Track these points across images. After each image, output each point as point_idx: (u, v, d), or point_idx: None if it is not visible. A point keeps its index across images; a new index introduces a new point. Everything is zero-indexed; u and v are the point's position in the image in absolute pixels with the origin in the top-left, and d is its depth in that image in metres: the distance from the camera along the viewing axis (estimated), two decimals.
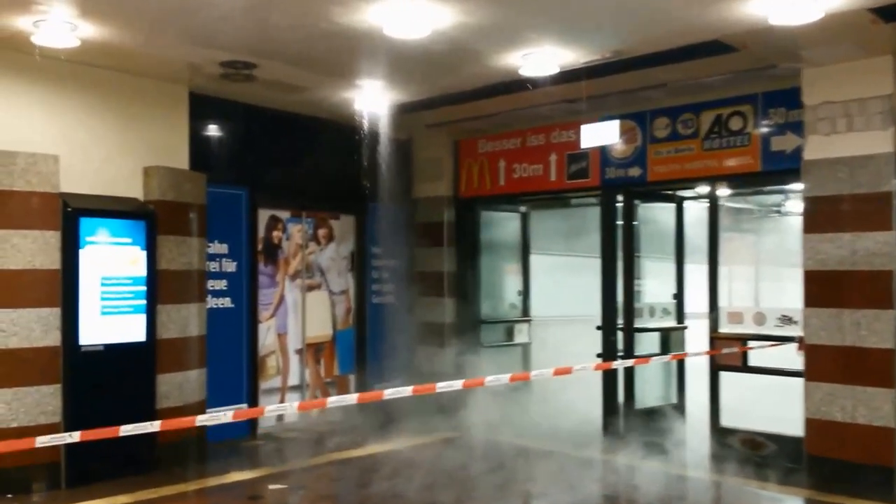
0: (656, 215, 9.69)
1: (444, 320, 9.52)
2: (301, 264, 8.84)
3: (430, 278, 9.62)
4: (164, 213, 7.04)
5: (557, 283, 10.99)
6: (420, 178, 9.83)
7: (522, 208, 10.25)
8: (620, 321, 8.29)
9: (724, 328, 7.59)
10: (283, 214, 8.71)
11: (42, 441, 3.81)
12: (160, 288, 6.89)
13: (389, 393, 4.69)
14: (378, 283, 9.54)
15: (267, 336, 8.43)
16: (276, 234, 8.62)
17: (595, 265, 11.56)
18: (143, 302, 6.71)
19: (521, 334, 10.10)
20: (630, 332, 8.23)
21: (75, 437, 3.93)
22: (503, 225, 10.26)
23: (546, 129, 8.76)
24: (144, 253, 6.75)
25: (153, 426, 4.12)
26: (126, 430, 4.01)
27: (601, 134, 6.52)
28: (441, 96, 7.93)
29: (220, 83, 7.30)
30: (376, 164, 9.02)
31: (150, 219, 6.88)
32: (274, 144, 8.51)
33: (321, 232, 9.09)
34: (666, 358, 7.22)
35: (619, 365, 7.35)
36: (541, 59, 6.36)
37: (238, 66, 6.74)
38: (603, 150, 8.26)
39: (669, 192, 8.69)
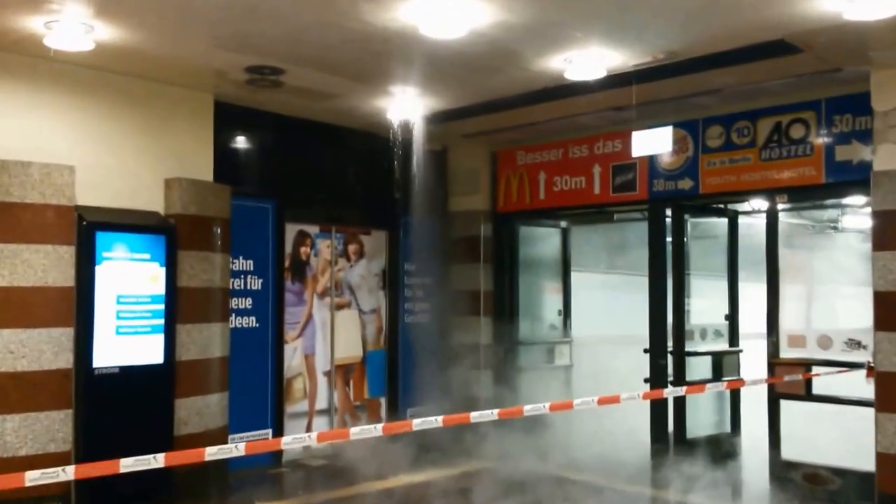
0: (704, 230, 9.15)
1: (480, 341, 9.03)
2: (330, 282, 8.43)
3: (465, 297, 9.15)
4: (186, 227, 6.67)
5: (599, 302, 10.43)
6: (455, 191, 9.39)
7: (563, 223, 9.74)
8: (670, 344, 7.73)
9: (785, 353, 6.99)
10: (312, 229, 8.31)
11: (32, 478, 3.39)
12: (180, 306, 6.51)
13: (418, 423, 4.20)
14: (411, 301, 9.09)
15: (293, 357, 8.01)
16: (303, 249, 8.21)
17: (638, 283, 11.06)
18: (162, 321, 6.33)
19: (562, 356, 9.57)
20: (681, 355, 7.66)
21: (69, 473, 3.51)
22: (542, 241, 9.76)
23: (589, 140, 8.26)
24: (164, 269, 6.38)
25: (157, 460, 3.68)
26: (126, 464, 3.58)
27: (653, 142, 6.01)
28: (478, 104, 7.48)
29: (247, 91, 6.95)
30: (409, 176, 8.55)
31: (171, 233, 6.51)
32: (302, 156, 8.13)
33: (351, 248, 8.67)
34: (721, 386, 6.63)
35: (671, 394, 6.77)
36: (587, 61, 5.88)
37: (265, 72, 6.36)
38: (651, 162, 7.75)
39: (721, 206, 8.15)
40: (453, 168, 9.44)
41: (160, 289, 6.34)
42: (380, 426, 4.24)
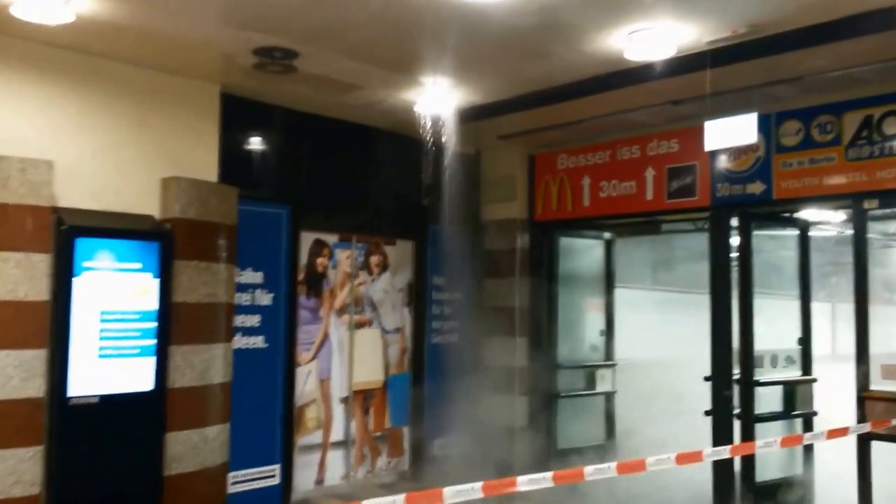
0: (762, 243, 8.20)
1: (515, 364, 8.09)
2: (349, 297, 7.53)
3: (499, 315, 8.22)
4: (185, 233, 5.83)
5: (644, 322, 9.44)
6: (489, 198, 8.48)
7: (607, 235, 8.79)
8: (735, 371, 6.73)
9: (877, 384, 5.98)
10: (330, 238, 7.44)
11: None
12: (175, 325, 5.65)
13: (451, 494, 3.22)
14: (439, 319, 8.18)
15: (307, 382, 7.11)
16: (320, 261, 7.34)
17: (685, 301, 10.08)
18: (153, 342, 5.47)
19: (605, 381, 8.58)
20: (749, 385, 6.66)
21: None
22: (584, 253, 8.80)
23: (641, 140, 7.32)
24: (157, 282, 5.52)
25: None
26: None
27: (733, 131, 5.05)
28: (518, 98, 6.58)
29: (257, 80, 6.11)
30: (439, 181, 7.65)
31: (166, 240, 5.66)
32: (320, 157, 7.27)
33: (374, 259, 7.78)
34: (821, 436, 5.55)
35: (765, 448, 5.59)
36: (654, 37, 4.96)
37: (276, 56, 5.51)
38: (713, 164, 6.79)
39: (792, 215, 7.18)
40: (487, 173, 8.54)
41: (152, 304, 5.48)
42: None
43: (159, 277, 5.54)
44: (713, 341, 6.85)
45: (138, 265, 5.44)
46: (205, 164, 6.22)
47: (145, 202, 5.82)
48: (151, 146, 5.89)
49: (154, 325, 5.48)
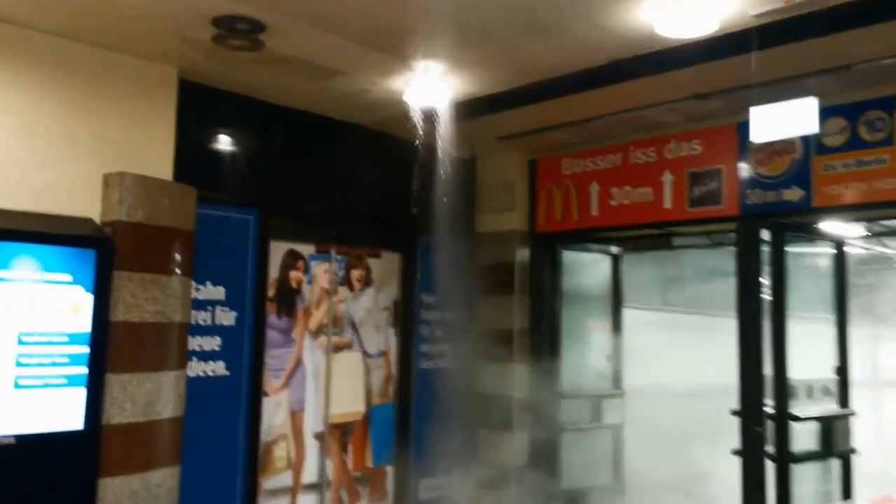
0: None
1: (513, 393, 7.19)
2: (327, 317, 6.62)
3: (496, 337, 7.32)
4: (129, 240, 4.92)
5: (654, 346, 8.57)
6: (486, 207, 7.62)
7: (614, 249, 7.94)
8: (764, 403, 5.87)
9: None
10: (306, 249, 6.53)
11: None
12: (114, 349, 4.73)
13: None
14: (428, 342, 7.27)
15: (275, 415, 6.17)
16: (293, 274, 6.43)
17: (696, 323, 9.25)
18: (85, 370, 4.55)
19: (612, 412, 7.69)
20: (784, 420, 5.81)
21: None
22: (589, 269, 7.95)
23: (658, 141, 6.49)
24: (91, 297, 4.62)
25: None
26: None
27: (787, 120, 4.20)
28: (521, 90, 5.72)
29: (221, 63, 5.26)
30: (430, 187, 6.76)
31: (104, 248, 4.76)
32: (295, 156, 6.39)
33: (355, 273, 6.88)
34: None
35: None
36: (693, 6, 4.13)
37: (238, 28, 4.62)
38: (741, 167, 5.96)
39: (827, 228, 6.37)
40: (483, 179, 7.69)
41: (84, 324, 4.56)
42: None
43: (94, 292, 4.63)
44: (741, 370, 5.98)
45: (68, 277, 4.52)
46: (157, 160, 5.32)
47: (83, 203, 4.91)
48: (93, 136, 4.99)
49: (86, 349, 4.56)
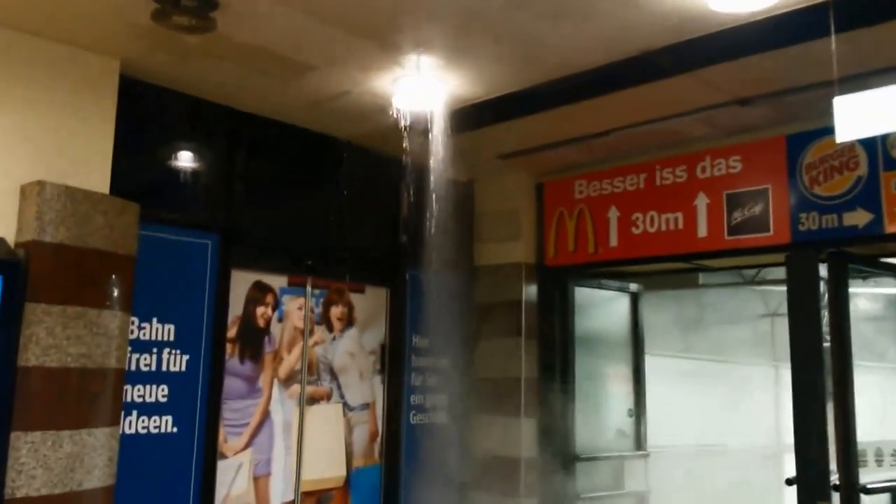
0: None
1: (520, 453, 6.14)
2: (300, 362, 5.62)
3: (499, 388, 6.31)
4: (48, 264, 3.98)
5: (680, 398, 7.56)
6: (486, 236, 6.67)
7: (633, 286, 6.98)
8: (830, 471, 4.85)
9: None
10: (276, 281, 5.56)
11: None
12: (22, 401, 3.76)
13: None
14: (420, 392, 6.26)
15: (235, 481, 5.12)
16: (261, 311, 5.44)
17: (723, 372, 8.28)
18: None
19: (636, 476, 6.64)
20: (853, 491, 4.77)
21: None
22: (604, 309, 6.98)
23: (689, 159, 5.58)
24: None
25: None
26: None
27: (886, 110, 3.27)
28: (529, 91, 4.80)
29: (172, 54, 4.37)
30: (422, 213, 5.81)
31: (12, 273, 3.80)
32: (264, 172, 5.46)
33: (335, 311, 5.89)
34: None
35: None
36: None
37: (183, 3, 3.72)
38: (793, 187, 5.03)
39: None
40: (483, 204, 6.76)
41: None
42: None
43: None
44: (798, 430, 4.96)
45: None
46: (91, 169, 4.39)
47: None
48: (11, 137, 4.08)
49: None
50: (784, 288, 5.21)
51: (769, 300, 8.63)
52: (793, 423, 4.96)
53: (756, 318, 8.67)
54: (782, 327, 7.81)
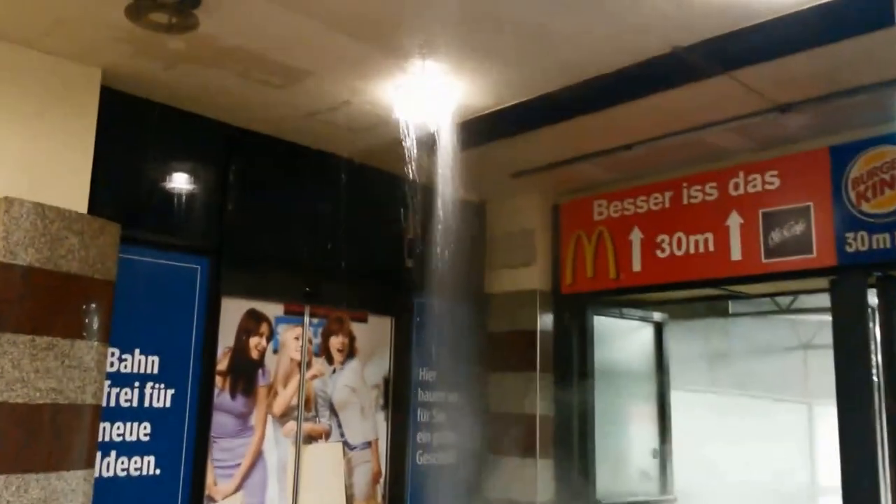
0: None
1: (536, 498, 5.65)
2: (297, 396, 5.18)
3: (512, 425, 5.86)
4: (14, 289, 3.65)
5: (707, 436, 7.04)
6: (498, 261, 6.26)
7: (656, 315, 6.52)
8: None
9: None
10: (271, 309, 5.14)
11: None
12: None
13: None
14: (427, 430, 5.80)
15: None
16: (255, 342, 5.02)
17: (755, 407, 7.76)
18: None
19: None
20: None
21: None
22: (625, 340, 6.51)
23: (721, 175, 5.15)
24: None
25: None
26: None
27: None
28: (544, 99, 4.40)
29: (157, 61, 3.99)
30: (429, 236, 5.38)
31: None
32: (258, 192, 5.07)
33: (335, 341, 5.47)
34: None
35: None
36: None
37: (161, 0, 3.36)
38: (838, 204, 4.58)
39: None
40: (495, 227, 6.35)
41: None
42: None
43: None
44: (846, 473, 4.47)
45: None
46: (67, 185, 4.01)
47: None
48: None
49: None
50: (818, 317, 4.75)
51: (801, 331, 8.12)
52: (840, 466, 4.47)
53: (786, 350, 8.16)
54: (816, 361, 7.33)
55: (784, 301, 6.41)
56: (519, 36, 3.69)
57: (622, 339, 6.43)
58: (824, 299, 5.36)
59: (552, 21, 3.52)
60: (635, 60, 3.86)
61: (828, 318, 4.78)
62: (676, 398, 6.80)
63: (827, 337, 4.81)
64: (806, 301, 6.68)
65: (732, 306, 6.68)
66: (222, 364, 4.80)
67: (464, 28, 3.61)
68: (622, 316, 6.35)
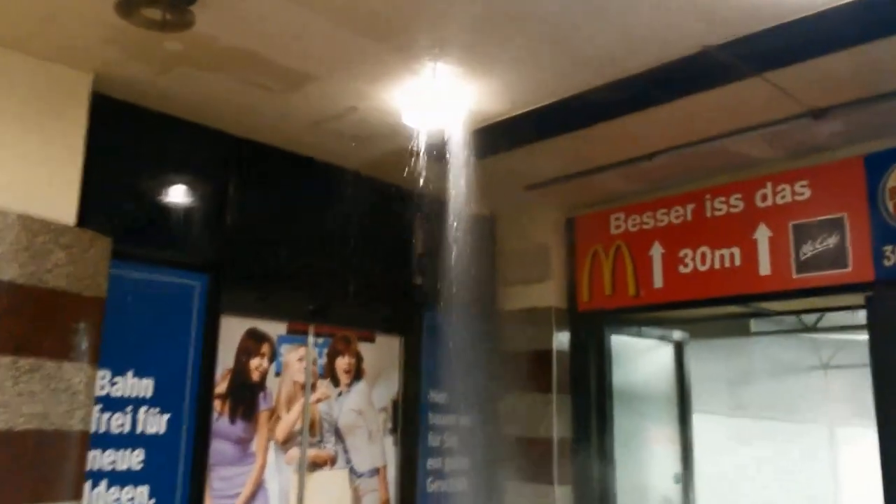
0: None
1: None
2: (301, 421, 4.90)
3: (528, 449, 5.56)
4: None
5: (730, 462, 6.73)
6: (511, 277, 5.99)
7: (676, 334, 6.23)
8: None
9: None
10: (273, 328, 4.88)
11: None
12: None
13: None
14: (438, 455, 5.51)
15: None
16: (255, 363, 4.75)
17: (779, 431, 7.45)
18: None
19: None
20: None
21: None
22: (644, 360, 6.23)
23: (747, 186, 4.88)
24: None
25: None
26: None
27: None
28: (561, 104, 4.15)
29: (151, 67, 3.76)
30: (439, 251, 5.11)
31: None
32: (259, 205, 4.82)
33: (341, 362, 5.20)
34: None
35: None
36: None
37: None
38: (875, 215, 4.31)
39: None
40: (508, 242, 6.09)
41: None
42: None
43: None
44: (889, 500, 4.16)
45: None
46: (54, 196, 3.76)
47: None
48: None
49: None
50: (839, 336, 4.47)
51: (821, 350, 7.81)
52: (883, 493, 4.17)
53: (806, 370, 7.85)
54: (837, 382, 7.02)
55: (810, 319, 6.12)
56: (536, 34, 3.45)
57: (640, 358, 6.15)
58: (847, 317, 5.07)
59: (572, 17, 3.27)
60: (661, 61, 3.60)
61: (849, 336, 4.52)
62: (698, 421, 6.51)
63: (847, 357, 4.54)
64: (829, 319, 6.40)
65: (755, 324, 6.39)
66: (221, 387, 4.53)
67: (478, 25, 3.37)
68: (640, 335, 6.08)
